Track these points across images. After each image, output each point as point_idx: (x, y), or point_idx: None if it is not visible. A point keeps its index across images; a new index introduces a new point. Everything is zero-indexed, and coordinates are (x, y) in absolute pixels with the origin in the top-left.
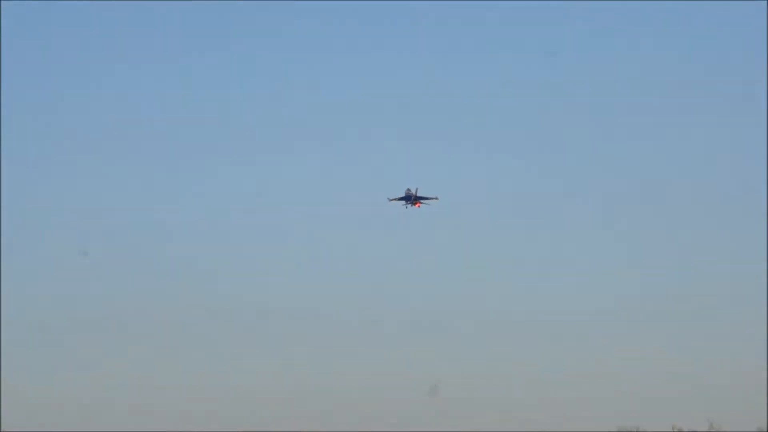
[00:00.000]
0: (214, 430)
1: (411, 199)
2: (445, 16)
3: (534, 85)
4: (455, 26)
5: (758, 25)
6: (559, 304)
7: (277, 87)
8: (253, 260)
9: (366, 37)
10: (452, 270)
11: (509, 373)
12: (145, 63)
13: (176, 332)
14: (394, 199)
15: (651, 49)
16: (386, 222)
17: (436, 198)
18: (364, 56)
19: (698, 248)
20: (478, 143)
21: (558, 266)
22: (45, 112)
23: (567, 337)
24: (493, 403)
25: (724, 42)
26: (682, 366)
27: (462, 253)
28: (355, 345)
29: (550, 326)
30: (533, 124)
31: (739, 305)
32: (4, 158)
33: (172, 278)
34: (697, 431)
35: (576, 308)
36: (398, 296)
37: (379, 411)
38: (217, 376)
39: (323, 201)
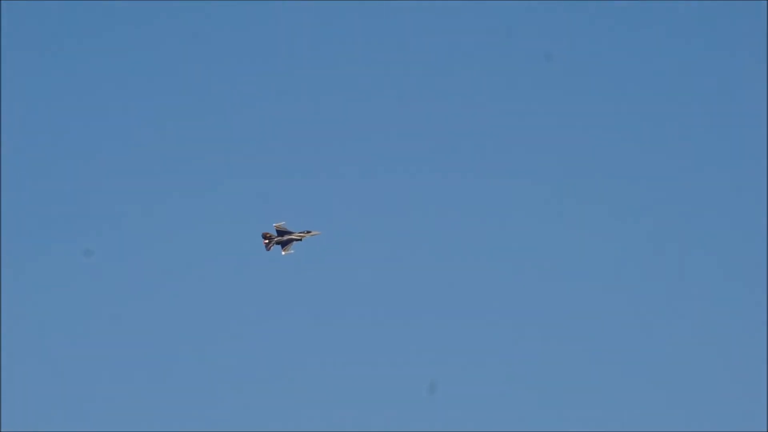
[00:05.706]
0: (213, 430)
1: (282, 240)
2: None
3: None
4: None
5: (758, 24)
6: (558, 303)
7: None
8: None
9: (354, 38)
10: (451, 269)
11: (509, 373)
12: (148, 61)
13: (176, 333)
14: (284, 234)
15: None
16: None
17: (288, 250)
18: (355, 56)
19: (699, 250)
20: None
21: (558, 266)
22: (47, 109)
23: (567, 335)
24: (493, 403)
25: (724, 42)
26: (681, 365)
27: (461, 250)
28: (353, 343)
29: (550, 324)
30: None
31: (739, 305)
32: (4, 158)
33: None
34: (695, 431)
35: (576, 308)
36: (397, 293)
37: (378, 410)
38: (215, 377)
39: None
